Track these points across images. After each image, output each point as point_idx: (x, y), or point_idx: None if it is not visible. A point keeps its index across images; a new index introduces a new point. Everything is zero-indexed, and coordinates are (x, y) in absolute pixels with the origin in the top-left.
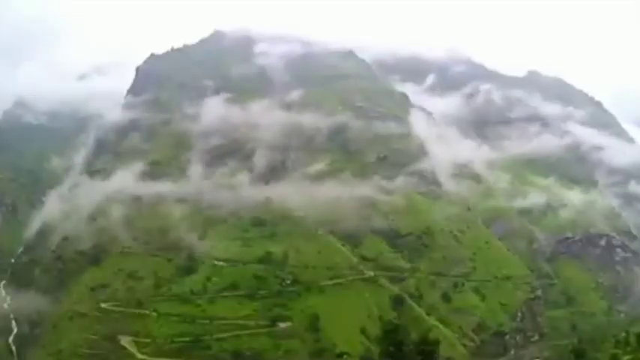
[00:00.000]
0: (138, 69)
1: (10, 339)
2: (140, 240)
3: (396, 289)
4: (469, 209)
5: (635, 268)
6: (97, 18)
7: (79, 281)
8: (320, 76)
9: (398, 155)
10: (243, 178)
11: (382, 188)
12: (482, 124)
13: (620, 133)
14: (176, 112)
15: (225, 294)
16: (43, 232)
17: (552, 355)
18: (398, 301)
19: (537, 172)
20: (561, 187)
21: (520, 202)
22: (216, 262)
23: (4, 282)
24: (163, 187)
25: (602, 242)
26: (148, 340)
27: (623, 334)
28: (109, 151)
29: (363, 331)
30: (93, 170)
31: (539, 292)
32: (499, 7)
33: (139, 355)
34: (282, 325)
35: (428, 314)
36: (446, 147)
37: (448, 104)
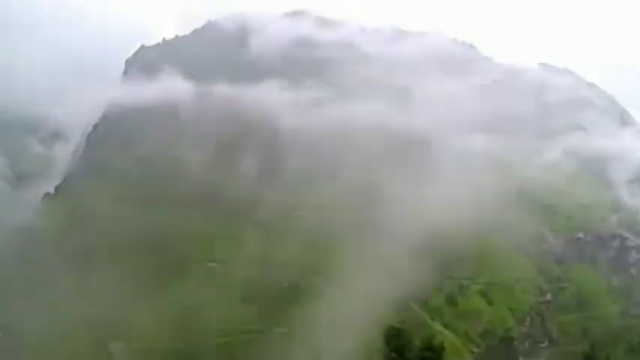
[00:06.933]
0: (127, 61)
1: None
2: (128, 240)
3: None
4: (475, 207)
5: None
6: (85, 9)
7: (64, 285)
8: (318, 67)
9: (399, 149)
10: (237, 172)
11: (384, 184)
12: (488, 117)
13: (634, 127)
14: (167, 106)
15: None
16: (24, 232)
17: None
18: (400, 305)
19: (547, 167)
20: (572, 183)
21: (528, 200)
22: (208, 264)
23: None
24: (154, 184)
25: (616, 243)
26: (138, 347)
27: (637, 340)
28: (97, 147)
29: None
30: (79, 167)
31: (549, 296)
32: None
33: None
34: (279, 330)
35: (432, 319)
36: (451, 140)
37: (454, 96)
